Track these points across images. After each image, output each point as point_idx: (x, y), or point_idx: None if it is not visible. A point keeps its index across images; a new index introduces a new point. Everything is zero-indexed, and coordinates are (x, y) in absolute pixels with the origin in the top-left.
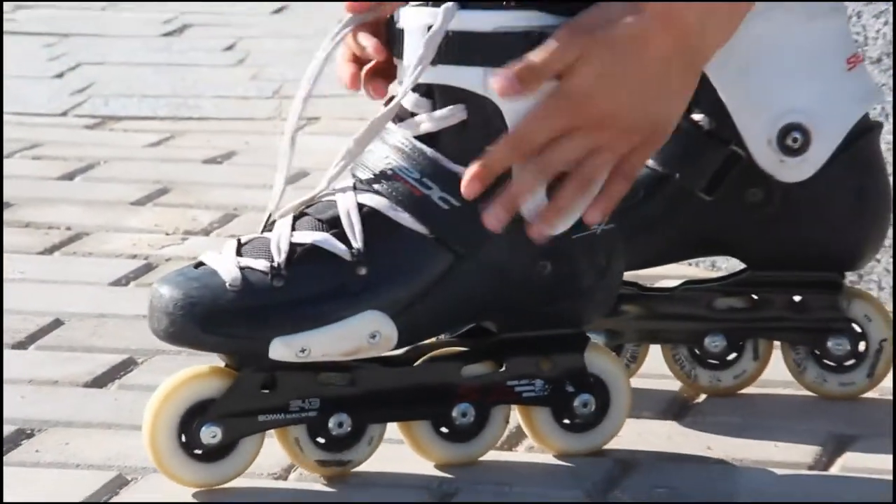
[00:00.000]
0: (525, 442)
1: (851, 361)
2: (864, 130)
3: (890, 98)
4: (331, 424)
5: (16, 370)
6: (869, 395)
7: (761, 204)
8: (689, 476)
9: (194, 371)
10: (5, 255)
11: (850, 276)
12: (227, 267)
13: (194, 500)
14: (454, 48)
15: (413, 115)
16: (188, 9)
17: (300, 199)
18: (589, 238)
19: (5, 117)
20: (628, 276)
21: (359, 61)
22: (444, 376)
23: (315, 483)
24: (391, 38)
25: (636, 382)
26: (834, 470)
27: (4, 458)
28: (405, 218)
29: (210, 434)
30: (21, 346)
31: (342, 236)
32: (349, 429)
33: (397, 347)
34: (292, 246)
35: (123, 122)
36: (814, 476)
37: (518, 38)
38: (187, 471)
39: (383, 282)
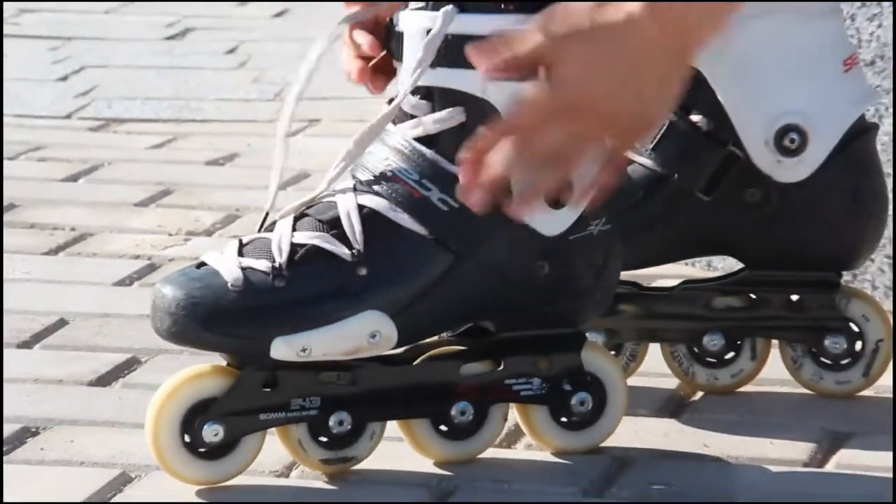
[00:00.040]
0: (523, 440)
1: (848, 360)
2: (861, 131)
3: (884, 100)
4: (331, 423)
5: (21, 369)
6: (864, 393)
7: (759, 204)
8: (686, 473)
9: (196, 370)
10: (10, 256)
11: (844, 276)
12: (228, 267)
13: (197, 497)
14: (453, 51)
15: (412, 117)
16: (191, 12)
17: (301, 199)
18: (586, 239)
19: (11, 120)
20: (627, 275)
21: (364, 58)
22: (443, 375)
23: (316, 480)
24: (390, 41)
25: (633, 380)
26: (829, 467)
27: (10, 455)
28: (405, 219)
29: (212, 432)
30: (26, 345)
31: (342, 237)
32: (349, 427)
33: (397, 347)
34: (293, 246)
35: (127, 125)
36: (809, 473)
37: None
38: (190, 468)
39: (383, 282)
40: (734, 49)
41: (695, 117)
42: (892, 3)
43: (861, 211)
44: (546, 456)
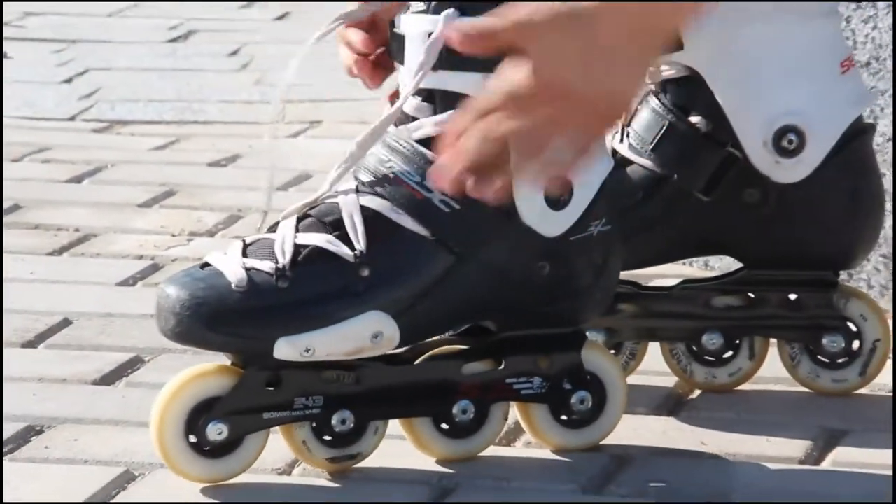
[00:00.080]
0: (523, 437)
1: (845, 359)
2: (858, 132)
3: (879, 101)
4: (334, 421)
5: (25, 368)
6: (861, 391)
7: (757, 204)
8: (684, 471)
9: (201, 369)
10: (16, 256)
11: (841, 275)
12: (232, 268)
13: (201, 495)
14: (454, 54)
15: (414, 119)
16: (193, 15)
17: (303, 200)
18: (586, 239)
19: (16, 122)
20: (626, 275)
21: (361, 54)
22: (444, 374)
23: (318, 478)
24: (392, 43)
25: (632, 379)
26: (826, 465)
27: (14, 454)
28: (407, 220)
29: (216, 431)
30: (30, 344)
31: (345, 238)
32: (352, 425)
33: (399, 347)
34: (296, 247)
35: (130, 126)
36: (806, 471)
37: None
38: (194, 467)
39: (385, 283)
40: (733, 51)
41: (694, 119)
42: (891, 3)
43: (858, 211)
44: (545, 453)
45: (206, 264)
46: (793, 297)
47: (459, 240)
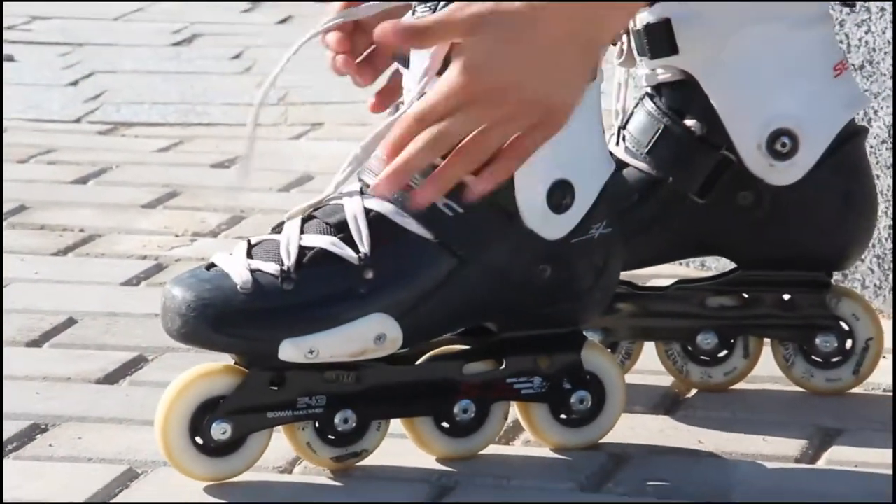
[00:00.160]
0: (521, 436)
1: (838, 358)
2: (851, 135)
3: (873, 104)
4: (336, 420)
5: (30, 367)
6: (854, 390)
7: (751, 207)
8: (681, 469)
9: (205, 368)
10: (21, 256)
11: (834, 275)
12: (238, 269)
13: (203, 494)
14: None
15: None
16: (197, 19)
17: (308, 201)
18: (587, 242)
19: (23, 124)
20: (623, 275)
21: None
22: (446, 374)
23: (319, 476)
24: (397, 48)
25: (628, 378)
26: (821, 463)
27: (19, 452)
28: (410, 223)
29: (220, 430)
30: (35, 343)
31: (349, 240)
32: (354, 425)
33: (402, 348)
34: (301, 249)
35: (135, 128)
36: (802, 469)
37: None
38: (197, 465)
39: (389, 285)
40: (727, 55)
41: (689, 122)
42: (883, 7)
43: (851, 213)
44: (544, 452)
45: (212, 265)
46: (786, 297)
47: (462, 243)
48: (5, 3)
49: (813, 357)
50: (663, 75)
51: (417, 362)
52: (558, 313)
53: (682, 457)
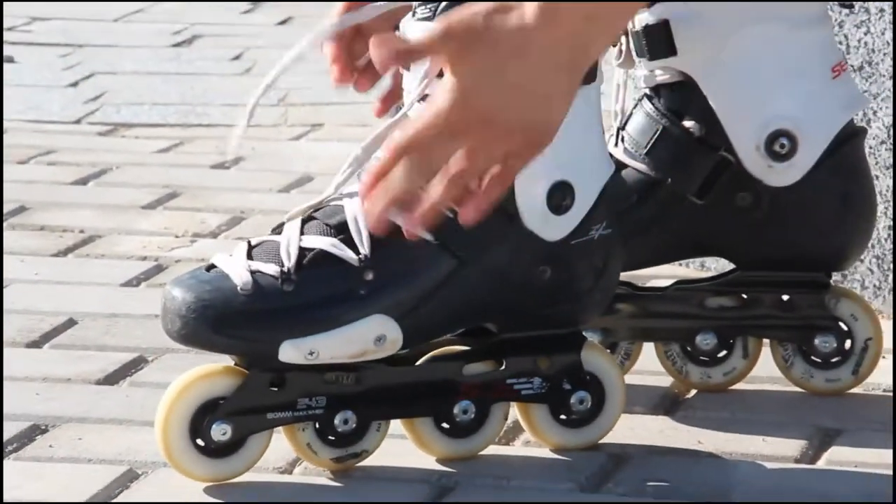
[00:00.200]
0: (521, 436)
1: (837, 358)
2: (849, 136)
3: (872, 104)
4: (336, 421)
5: (30, 368)
6: (854, 390)
7: (750, 208)
8: (681, 469)
9: (205, 370)
10: (21, 257)
11: (834, 276)
12: (238, 271)
13: (203, 494)
14: None
15: None
16: (197, 20)
17: (308, 202)
18: (587, 243)
19: (23, 125)
20: (622, 276)
21: (343, 61)
22: (446, 375)
23: (319, 477)
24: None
25: (628, 378)
26: (821, 463)
27: (19, 453)
28: None
29: (220, 431)
30: (35, 344)
31: (350, 241)
32: (354, 425)
33: (402, 350)
34: (301, 251)
35: (135, 129)
36: (802, 469)
37: None
38: (197, 466)
39: (389, 286)
40: (726, 56)
41: (687, 123)
42: (882, 8)
43: (850, 214)
44: (544, 452)
45: (212, 266)
46: (785, 297)
47: (462, 244)
48: (5, 4)
49: (812, 357)
50: (662, 76)
51: (417, 363)
52: (558, 314)
53: (681, 457)
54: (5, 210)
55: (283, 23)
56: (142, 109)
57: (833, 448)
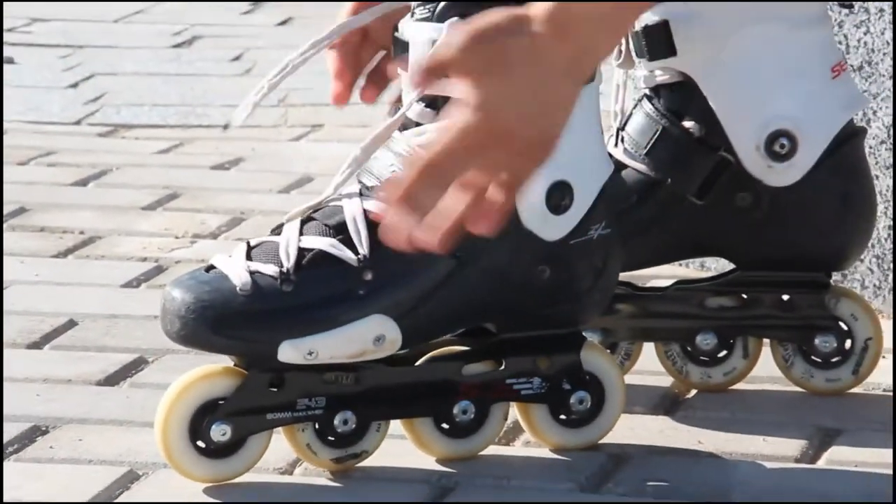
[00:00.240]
0: (521, 436)
1: (837, 358)
2: (849, 136)
3: (872, 104)
4: (336, 422)
5: (31, 369)
6: (854, 390)
7: (750, 208)
8: (681, 469)
9: (205, 370)
10: (21, 259)
11: (834, 276)
12: (237, 271)
13: (204, 494)
14: None
15: (418, 124)
16: (197, 21)
17: (307, 203)
18: (587, 243)
19: (23, 126)
20: (622, 276)
21: (347, 77)
22: (445, 375)
23: (319, 477)
24: (396, 49)
25: (628, 379)
26: (821, 463)
27: (20, 454)
28: None
29: (220, 432)
30: (36, 345)
31: (349, 242)
32: (354, 426)
33: (401, 350)
34: (300, 251)
35: (135, 130)
36: (802, 469)
37: None
38: (197, 467)
39: (388, 286)
40: (725, 56)
41: (687, 123)
42: (882, 8)
43: (850, 214)
44: (544, 452)
45: (211, 267)
46: (785, 297)
47: (461, 244)
48: (5, 5)
49: (812, 357)
50: (662, 77)
51: (417, 363)
52: (558, 314)
53: (681, 457)
54: (5, 211)
55: (283, 23)
56: (142, 110)
57: (833, 448)
